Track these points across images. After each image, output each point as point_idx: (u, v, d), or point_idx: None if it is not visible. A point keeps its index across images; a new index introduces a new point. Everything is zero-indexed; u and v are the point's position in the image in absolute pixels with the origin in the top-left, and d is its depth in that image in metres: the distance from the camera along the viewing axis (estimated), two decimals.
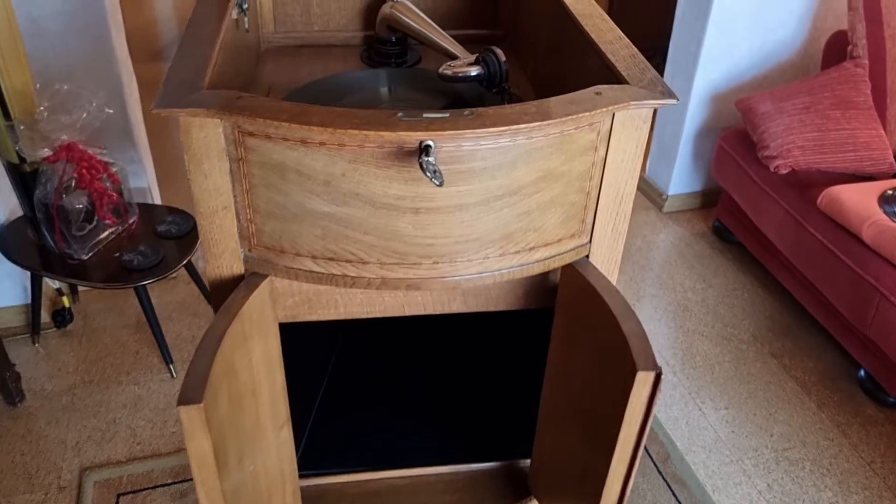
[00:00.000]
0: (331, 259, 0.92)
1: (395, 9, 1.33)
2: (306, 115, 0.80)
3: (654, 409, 0.89)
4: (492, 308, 1.03)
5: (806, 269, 2.19)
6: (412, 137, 0.80)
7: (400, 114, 0.82)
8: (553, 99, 0.87)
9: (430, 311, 1.00)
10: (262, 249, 0.94)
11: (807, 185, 2.20)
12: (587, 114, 0.85)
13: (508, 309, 1.05)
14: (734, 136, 2.46)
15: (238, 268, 0.96)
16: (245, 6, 1.23)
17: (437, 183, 0.79)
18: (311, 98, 1.15)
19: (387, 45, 1.37)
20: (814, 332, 2.31)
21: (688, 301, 2.46)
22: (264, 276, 0.96)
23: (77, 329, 2.12)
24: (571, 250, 0.99)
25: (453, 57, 1.20)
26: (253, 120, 0.81)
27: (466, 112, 0.83)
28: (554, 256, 0.98)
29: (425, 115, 0.82)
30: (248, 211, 0.91)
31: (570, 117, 0.84)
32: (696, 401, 2.09)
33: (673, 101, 0.89)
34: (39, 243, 1.86)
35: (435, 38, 1.26)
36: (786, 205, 2.23)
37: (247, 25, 1.25)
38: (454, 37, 1.24)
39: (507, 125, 0.81)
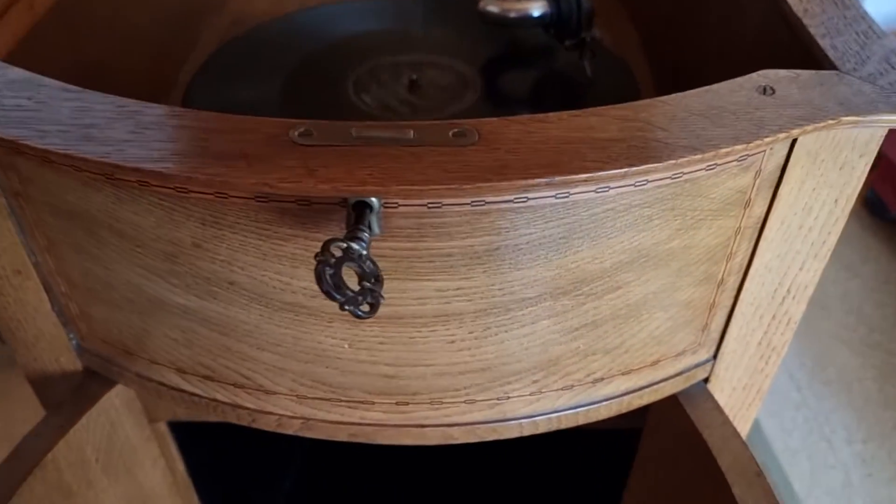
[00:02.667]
0: (208, 378, 0.49)
1: None
2: (87, 137, 0.36)
3: None
4: (527, 433, 0.57)
5: None
6: (324, 188, 0.34)
7: (299, 131, 0.36)
8: (661, 102, 0.39)
9: (424, 442, 0.55)
10: (98, 343, 0.52)
11: None
12: (741, 146, 0.36)
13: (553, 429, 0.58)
14: None
15: (70, 362, 0.54)
16: None
17: (362, 314, 0.34)
18: (285, 41, 0.70)
19: None
20: None
21: (825, 295, 1.85)
22: (113, 383, 0.54)
23: None
24: (676, 377, 0.52)
25: None
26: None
27: (453, 132, 0.36)
28: (640, 390, 0.51)
29: (361, 132, 0.36)
30: (58, 281, 0.48)
31: (699, 154, 0.36)
32: (825, 428, 1.56)
33: None
34: None
35: None
36: None
37: None
38: None
39: (547, 174, 0.34)
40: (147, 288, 0.44)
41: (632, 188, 0.38)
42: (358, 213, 0.36)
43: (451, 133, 0.36)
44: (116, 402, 0.55)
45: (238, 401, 0.49)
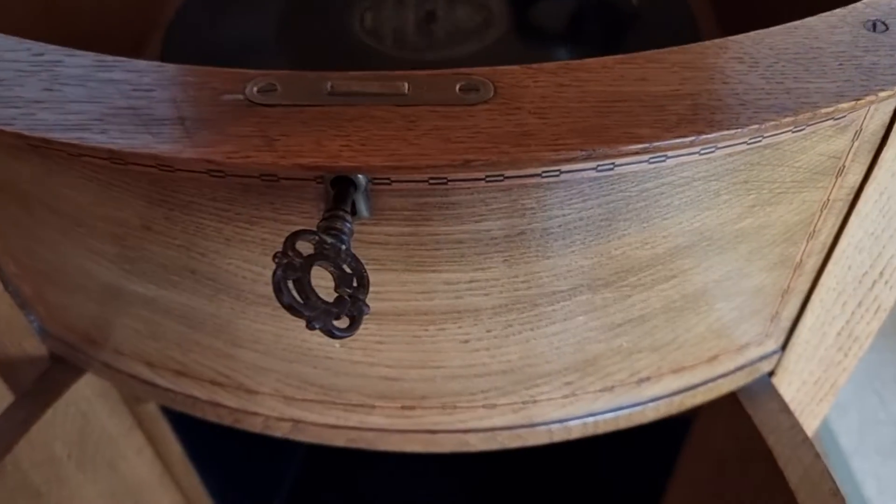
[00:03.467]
0: (181, 374, 0.42)
1: None
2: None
3: None
4: (558, 439, 0.49)
5: None
6: (286, 165, 0.25)
7: (258, 86, 0.27)
8: (735, 42, 0.29)
9: (435, 449, 0.48)
10: (61, 328, 0.44)
11: None
12: (848, 104, 0.27)
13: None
14: None
15: (35, 347, 0.47)
16: None
17: (338, 334, 0.25)
18: None
19: None
20: None
21: None
22: (82, 371, 0.47)
23: None
24: (736, 371, 0.44)
25: None
26: None
27: (461, 86, 0.27)
28: (693, 388, 0.43)
29: (338, 87, 0.27)
30: (6, 260, 0.41)
31: (790, 116, 0.26)
32: (876, 382, 1.47)
33: None
34: None
35: None
36: None
37: None
38: None
39: (585, 145, 0.25)
40: (98, 273, 0.37)
41: (696, 157, 0.29)
42: (338, 192, 0.27)
43: (457, 87, 0.27)
44: (87, 392, 0.48)
45: (217, 399, 0.42)
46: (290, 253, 0.25)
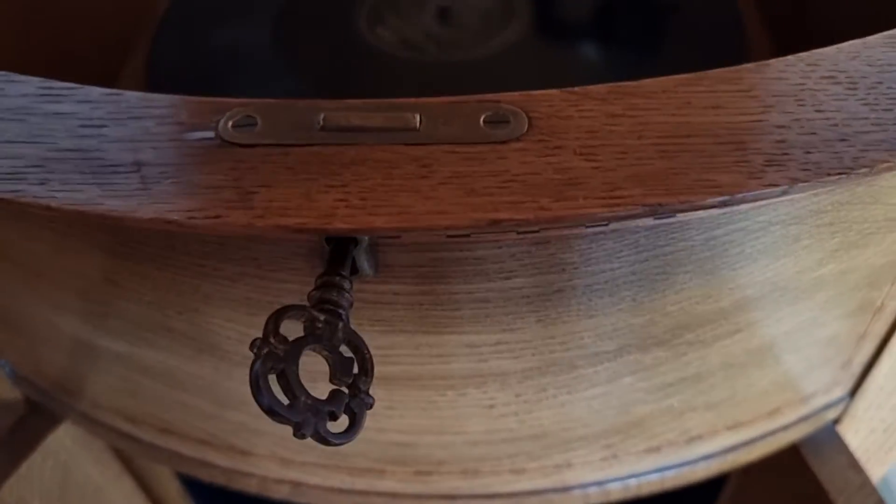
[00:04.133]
0: (166, 431, 0.37)
1: None
2: None
3: None
4: (595, 502, 0.44)
5: None
6: (265, 226, 0.20)
7: (234, 119, 0.22)
8: (836, 52, 0.23)
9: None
10: (34, 375, 0.40)
11: None
12: None
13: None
14: None
15: (7, 392, 0.42)
16: None
17: (333, 441, 0.20)
18: None
19: None
20: None
21: None
22: (59, 418, 0.42)
23: None
24: (798, 423, 0.38)
25: None
26: None
27: (486, 117, 0.21)
28: (750, 444, 0.37)
29: (332, 121, 0.22)
30: None
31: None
32: None
33: None
34: None
35: None
36: None
37: None
38: None
39: (649, 198, 0.20)
40: (64, 327, 0.32)
41: (776, 198, 0.24)
42: (335, 251, 0.22)
43: (482, 119, 0.22)
44: (67, 441, 0.43)
45: (207, 458, 0.37)
46: (272, 339, 0.20)
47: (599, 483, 0.36)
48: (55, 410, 0.41)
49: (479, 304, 0.25)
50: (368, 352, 0.21)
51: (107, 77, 0.52)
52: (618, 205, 0.19)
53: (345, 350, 0.21)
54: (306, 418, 0.19)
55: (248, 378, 0.30)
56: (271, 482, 0.37)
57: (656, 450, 0.35)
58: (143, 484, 0.50)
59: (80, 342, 0.32)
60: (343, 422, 0.21)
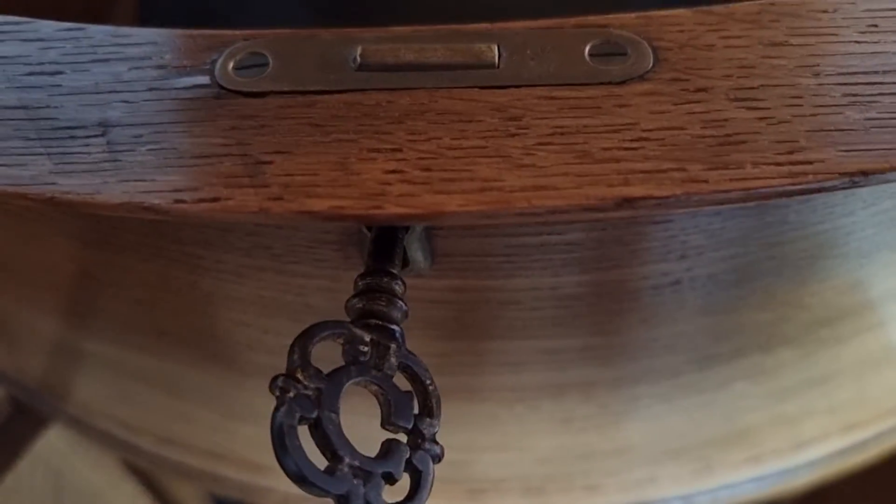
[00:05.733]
0: (168, 441, 0.31)
1: None
2: None
3: None
4: None
5: None
6: (285, 211, 0.14)
7: (236, 58, 0.15)
8: None
9: None
10: (18, 373, 0.34)
11: None
12: None
13: None
14: None
15: None
16: None
17: None
18: None
19: None
20: None
21: None
22: (48, 421, 0.37)
23: None
24: None
25: None
26: None
27: (592, 47, 0.15)
28: (860, 446, 0.31)
29: (372, 55, 0.15)
30: None
31: None
32: None
33: None
34: None
35: None
36: None
37: None
38: None
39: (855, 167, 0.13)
40: (42, 327, 0.26)
41: None
42: (380, 240, 0.16)
43: (587, 49, 0.15)
44: (60, 445, 0.38)
45: (217, 471, 0.32)
46: (301, 375, 0.14)
47: (686, 497, 0.30)
48: (43, 412, 0.36)
49: (567, 302, 0.19)
50: (433, 382, 0.15)
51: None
52: (805, 172, 0.13)
53: (400, 381, 0.15)
54: (352, 488, 0.14)
55: (262, 389, 0.24)
56: (296, 498, 0.31)
57: (757, 459, 0.29)
58: (149, 485, 0.45)
59: (62, 345, 0.27)
60: (403, 483, 0.15)
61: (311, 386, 0.14)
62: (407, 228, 0.16)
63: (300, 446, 0.14)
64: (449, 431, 0.24)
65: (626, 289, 0.19)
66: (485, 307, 0.20)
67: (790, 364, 0.23)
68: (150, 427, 0.31)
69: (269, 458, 0.29)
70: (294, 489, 0.31)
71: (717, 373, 0.23)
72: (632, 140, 0.14)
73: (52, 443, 0.37)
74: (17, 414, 0.37)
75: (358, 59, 0.15)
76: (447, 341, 0.21)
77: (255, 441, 0.28)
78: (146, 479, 0.45)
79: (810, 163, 0.13)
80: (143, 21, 0.44)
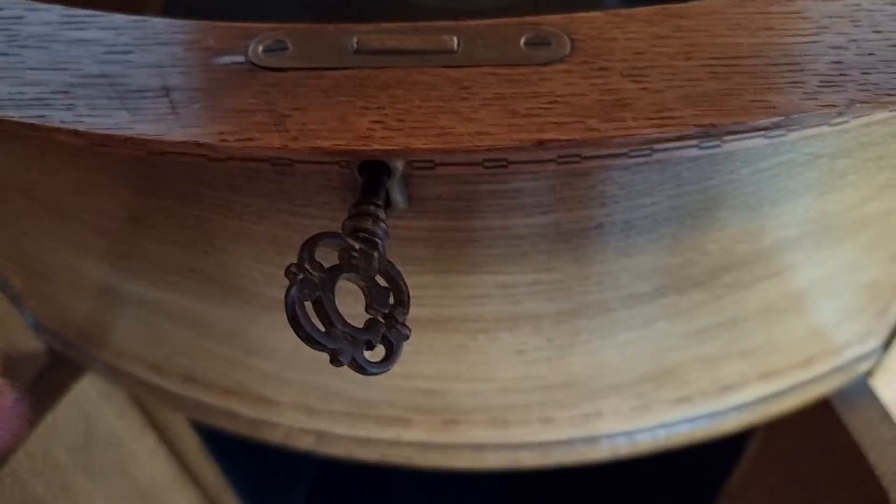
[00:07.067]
0: (191, 380, 0.36)
1: None
2: None
3: None
4: (624, 454, 0.43)
5: None
6: (299, 149, 0.19)
7: (264, 44, 0.21)
8: None
9: (482, 466, 0.42)
10: (57, 324, 0.39)
11: None
12: None
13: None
14: None
15: (30, 344, 0.42)
16: None
17: (370, 369, 0.19)
18: None
19: None
20: None
21: None
22: (83, 369, 0.42)
23: None
24: (831, 373, 0.37)
25: None
26: None
27: (527, 38, 0.21)
28: (781, 395, 0.37)
29: (366, 43, 0.21)
30: None
31: None
32: None
33: None
34: None
35: None
36: None
37: None
38: None
39: (698, 118, 0.19)
40: (87, 271, 0.31)
41: (825, 128, 0.23)
42: (368, 181, 0.21)
43: (522, 41, 0.21)
44: (91, 392, 0.43)
45: (232, 408, 0.37)
46: (308, 266, 0.19)
47: (628, 433, 0.36)
48: (78, 361, 0.41)
49: (515, 241, 0.25)
50: (405, 283, 0.21)
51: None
52: (668, 125, 0.19)
53: (381, 281, 0.20)
54: (343, 346, 0.19)
55: (275, 323, 0.29)
56: (296, 432, 0.37)
57: (687, 399, 0.34)
58: (165, 438, 0.50)
59: (103, 286, 0.32)
60: (379, 352, 0.20)
61: (315, 274, 0.19)
62: (390, 173, 0.22)
63: (307, 314, 0.19)
64: (426, 360, 0.30)
65: (560, 230, 0.24)
66: (451, 244, 0.25)
67: (702, 306, 0.29)
68: (175, 367, 0.36)
69: (277, 392, 0.35)
70: (295, 423, 0.36)
71: (642, 311, 0.28)
72: (548, 103, 0.19)
73: (86, 391, 0.42)
74: (55, 363, 0.42)
75: (355, 45, 0.21)
76: (421, 276, 0.26)
77: (267, 375, 0.33)
78: (163, 433, 0.50)
79: (674, 118, 0.19)
80: (169, 12, 0.49)
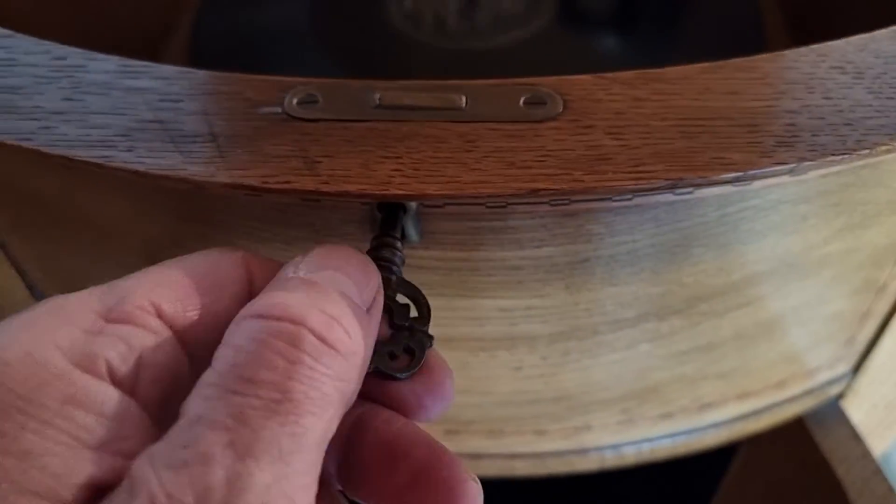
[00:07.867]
0: None
1: None
2: None
3: None
4: (611, 465, 0.46)
5: None
6: (330, 191, 0.23)
7: (298, 97, 0.24)
8: (845, 45, 0.26)
9: (483, 474, 0.45)
10: None
11: None
12: None
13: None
14: None
15: None
16: None
17: (398, 375, 0.23)
18: None
19: None
20: None
21: None
22: None
23: None
24: (803, 396, 0.40)
25: None
26: None
27: (525, 99, 0.24)
28: (757, 414, 0.40)
29: (386, 100, 0.24)
30: (32, 267, 0.39)
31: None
32: None
33: None
34: None
35: None
36: None
37: None
38: None
39: (671, 173, 0.22)
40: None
41: (786, 178, 0.26)
42: (386, 217, 0.25)
43: (521, 100, 0.24)
44: None
45: None
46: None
47: (615, 446, 0.39)
48: None
49: (512, 271, 0.28)
50: (425, 298, 0.24)
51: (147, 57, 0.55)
52: (642, 178, 0.22)
53: (401, 299, 0.24)
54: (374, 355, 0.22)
55: None
56: None
57: (669, 416, 0.37)
58: None
59: None
60: (404, 360, 0.23)
61: None
62: (405, 210, 0.25)
63: None
64: None
65: (553, 262, 0.28)
66: (457, 273, 0.28)
67: (681, 331, 0.32)
68: None
69: None
70: None
71: (626, 335, 0.31)
72: (541, 156, 0.22)
73: None
74: None
75: (377, 100, 0.24)
76: (431, 299, 0.29)
77: None
78: None
79: (647, 172, 0.22)
80: (195, 53, 0.53)
